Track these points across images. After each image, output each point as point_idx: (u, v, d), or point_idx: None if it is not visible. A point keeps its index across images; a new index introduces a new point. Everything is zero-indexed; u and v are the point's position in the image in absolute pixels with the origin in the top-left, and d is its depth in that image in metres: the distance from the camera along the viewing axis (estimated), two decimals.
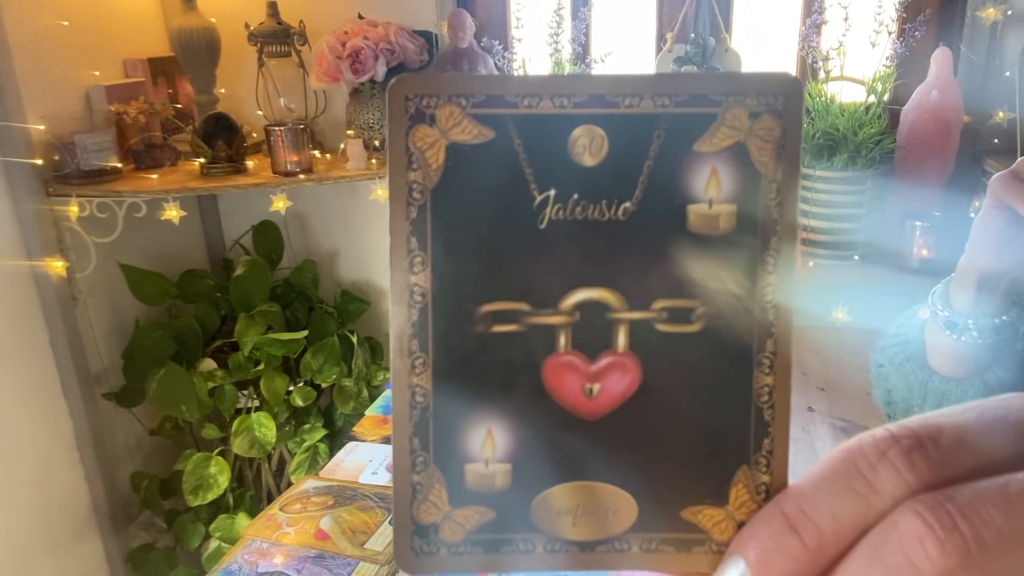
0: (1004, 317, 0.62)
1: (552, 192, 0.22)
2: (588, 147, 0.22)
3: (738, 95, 0.22)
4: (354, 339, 1.77)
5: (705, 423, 0.22)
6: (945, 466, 0.19)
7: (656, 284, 0.22)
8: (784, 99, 0.22)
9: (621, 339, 0.22)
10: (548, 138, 0.22)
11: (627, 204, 0.22)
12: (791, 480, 0.21)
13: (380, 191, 1.61)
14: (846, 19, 1.46)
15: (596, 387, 0.22)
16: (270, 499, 1.71)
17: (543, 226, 0.22)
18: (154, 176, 1.57)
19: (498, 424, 0.22)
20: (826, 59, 1.49)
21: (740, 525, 0.22)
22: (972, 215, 0.61)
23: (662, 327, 0.22)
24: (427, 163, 0.22)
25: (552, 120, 0.22)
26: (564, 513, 0.22)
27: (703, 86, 0.22)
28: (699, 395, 0.22)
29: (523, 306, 0.22)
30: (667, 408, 0.22)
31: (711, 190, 0.22)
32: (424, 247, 0.22)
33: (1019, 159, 0.57)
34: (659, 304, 0.22)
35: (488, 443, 0.22)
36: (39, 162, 1.44)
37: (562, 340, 0.22)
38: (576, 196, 0.22)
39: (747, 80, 0.22)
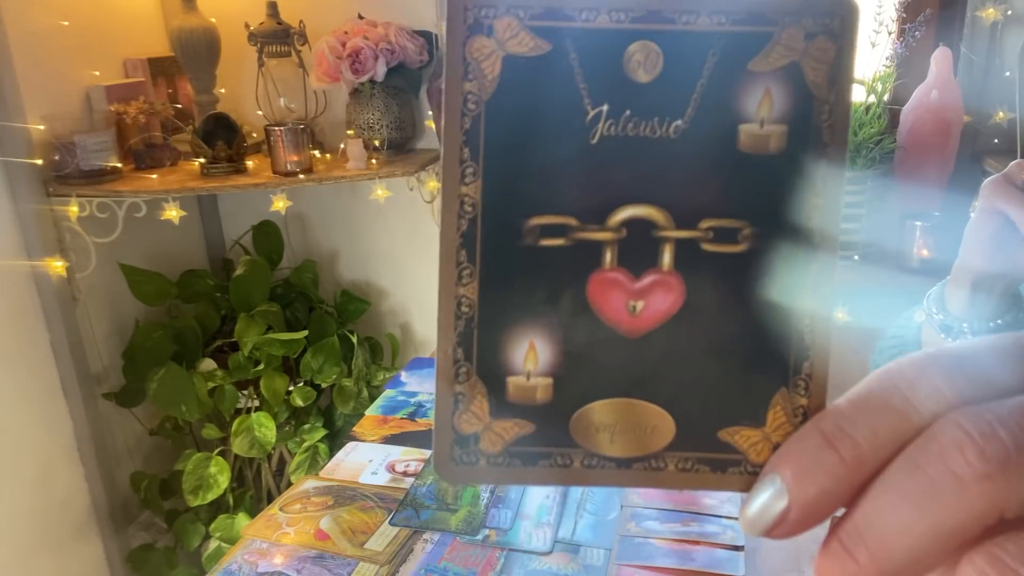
0: (999, 320, 0.62)
1: (605, 107, 0.22)
2: (643, 63, 0.22)
3: (795, 15, 0.21)
4: (354, 339, 1.77)
5: (745, 344, 0.22)
6: (984, 384, 0.19)
7: (704, 203, 0.22)
8: (841, 21, 0.21)
9: (666, 257, 0.22)
10: (604, 53, 0.22)
11: (679, 122, 0.22)
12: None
13: (380, 191, 1.61)
14: None
15: (640, 305, 0.22)
16: (270, 499, 1.71)
17: (595, 141, 0.22)
18: (154, 176, 1.57)
19: (541, 338, 0.22)
20: None
21: (776, 447, 0.22)
22: (972, 215, 0.61)
23: (708, 247, 0.22)
24: (483, 74, 0.22)
25: (608, 34, 0.21)
26: (603, 429, 0.22)
27: (760, 4, 0.22)
28: (741, 316, 0.22)
29: (571, 221, 0.22)
30: (709, 328, 0.22)
31: (763, 110, 0.22)
32: (476, 158, 0.22)
33: (1012, 163, 0.57)
34: (706, 224, 0.22)
35: (531, 356, 0.22)
36: (39, 162, 1.44)
37: (608, 256, 0.22)
38: (629, 112, 0.22)
39: (805, 1, 0.22)
